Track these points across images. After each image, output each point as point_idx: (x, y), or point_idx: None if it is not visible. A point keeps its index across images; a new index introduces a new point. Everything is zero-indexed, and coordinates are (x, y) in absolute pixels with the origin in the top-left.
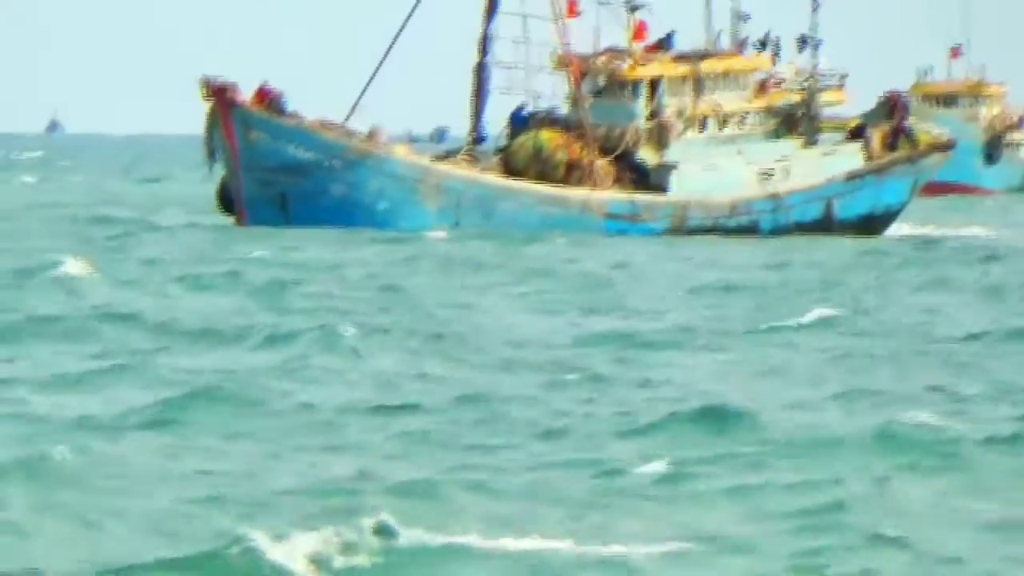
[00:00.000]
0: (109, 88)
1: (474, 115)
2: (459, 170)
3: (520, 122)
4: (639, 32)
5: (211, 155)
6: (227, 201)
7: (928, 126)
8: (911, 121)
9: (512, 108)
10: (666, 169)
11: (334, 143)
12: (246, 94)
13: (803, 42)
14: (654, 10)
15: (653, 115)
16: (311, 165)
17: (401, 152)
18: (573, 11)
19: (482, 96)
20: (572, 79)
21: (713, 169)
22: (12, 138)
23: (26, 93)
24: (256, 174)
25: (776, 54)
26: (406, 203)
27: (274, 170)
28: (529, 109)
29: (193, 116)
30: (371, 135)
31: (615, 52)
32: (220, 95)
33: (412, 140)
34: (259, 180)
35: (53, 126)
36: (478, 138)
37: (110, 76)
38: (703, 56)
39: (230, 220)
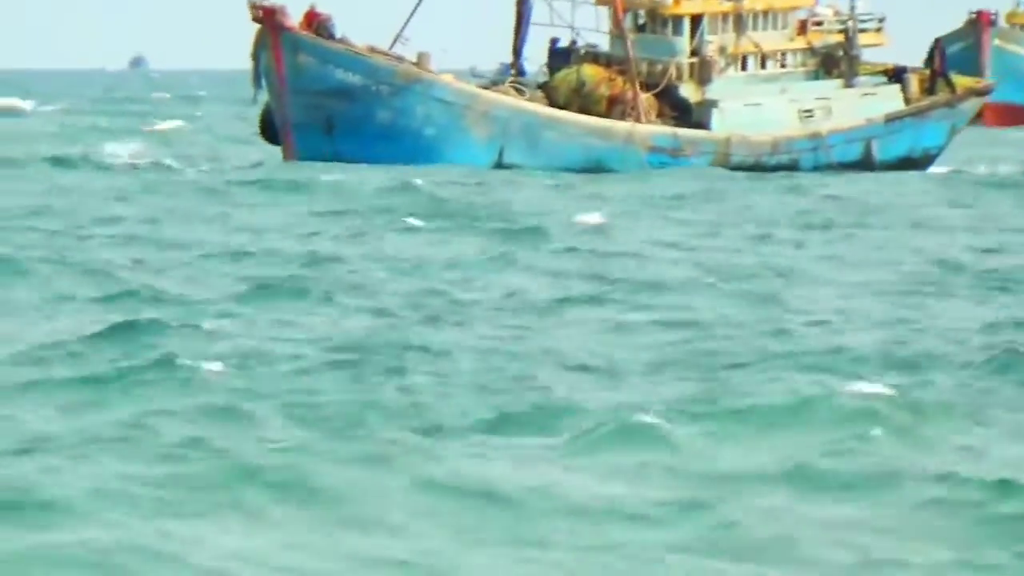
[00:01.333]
0: (185, 24)
1: (515, 48)
2: (506, 98)
3: (557, 56)
4: None
5: (257, 80)
6: (270, 129)
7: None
8: (998, 43)
9: (549, 42)
10: (708, 106)
11: (382, 67)
12: (294, 17)
13: None
14: None
15: (694, 52)
16: (358, 89)
17: (448, 78)
18: None
19: (523, 29)
20: (615, 14)
21: (755, 107)
22: (95, 74)
23: (108, 29)
24: (303, 98)
25: None
26: (453, 130)
27: (321, 94)
28: (566, 43)
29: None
30: (419, 61)
31: None
32: (268, 18)
33: (476, 76)
34: (306, 104)
35: (137, 62)
36: (518, 72)
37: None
38: None
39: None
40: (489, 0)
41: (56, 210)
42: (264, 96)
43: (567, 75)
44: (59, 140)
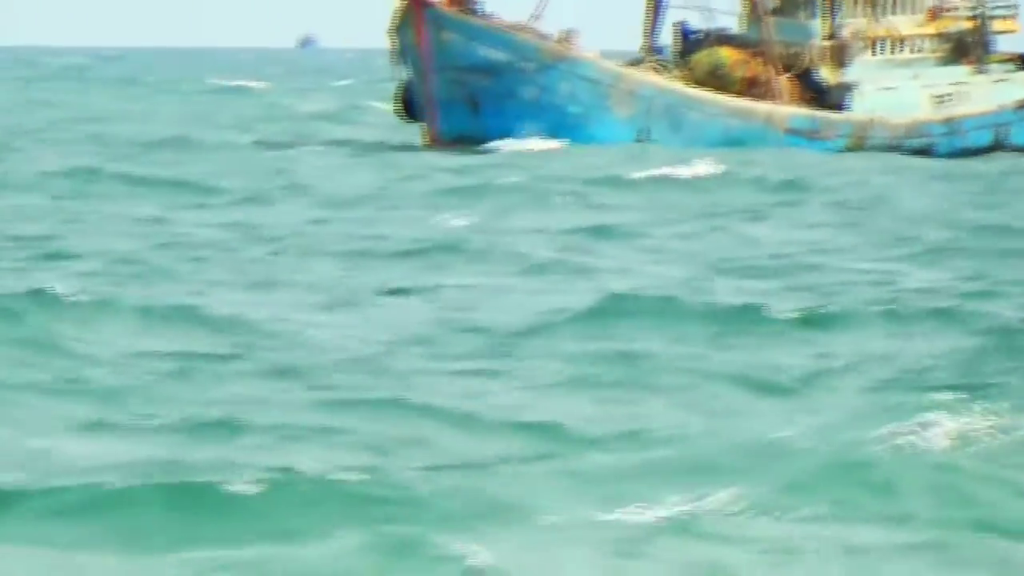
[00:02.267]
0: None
1: (648, 29)
2: (650, 77)
3: (687, 39)
4: None
5: (398, 56)
6: (409, 105)
7: None
8: None
9: (677, 25)
10: (845, 88)
11: (528, 44)
12: None
13: None
14: None
15: (829, 35)
16: (503, 66)
17: (593, 56)
18: None
19: (658, 10)
20: None
21: (890, 91)
22: (266, 52)
23: (275, 7)
24: (448, 75)
25: None
26: (597, 108)
27: (466, 71)
28: (696, 26)
29: None
30: (565, 38)
31: None
32: None
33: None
34: (450, 81)
35: (306, 41)
36: (653, 52)
37: None
38: None
39: (412, 125)
40: None
41: None
42: (404, 73)
43: (703, 56)
44: None
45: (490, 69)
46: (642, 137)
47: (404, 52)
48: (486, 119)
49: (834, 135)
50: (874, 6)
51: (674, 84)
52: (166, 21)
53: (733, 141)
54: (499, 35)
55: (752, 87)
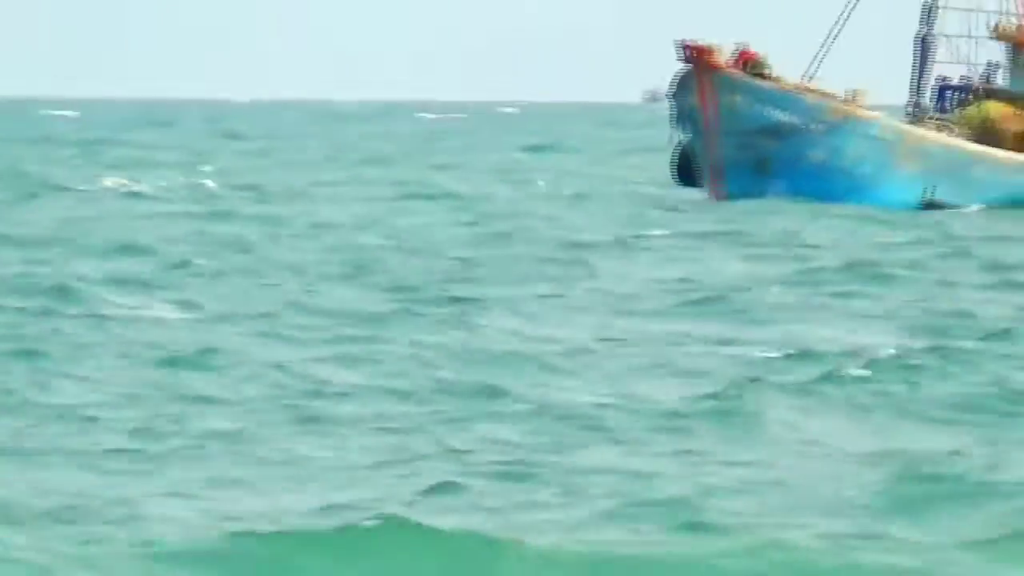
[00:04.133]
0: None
1: (915, 85)
2: (936, 135)
3: (946, 95)
4: None
5: (679, 121)
6: (686, 171)
7: None
8: None
9: (939, 80)
10: None
11: (817, 106)
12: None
13: None
14: None
15: None
16: (792, 128)
17: (879, 116)
18: None
19: (924, 67)
20: (1018, 49)
21: None
22: (620, 108)
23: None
24: (735, 138)
25: None
26: (885, 167)
27: (754, 133)
28: (954, 81)
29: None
30: (852, 97)
31: None
32: (701, 58)
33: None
34: (738, 144)
35: (653, 96)
36: (919, 109)
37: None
38: None
39: (691, 191)
40: (890, 37)
41: None
42: (682, 137)
43: (971, 111)
44: None
45: (779, 131)
46: (928, 196)
47: (684, 115)
48: (775, 181)
49: None
50: None
51: (958, 141)
52: None
53: (1016, 198)
54: (788, 97)
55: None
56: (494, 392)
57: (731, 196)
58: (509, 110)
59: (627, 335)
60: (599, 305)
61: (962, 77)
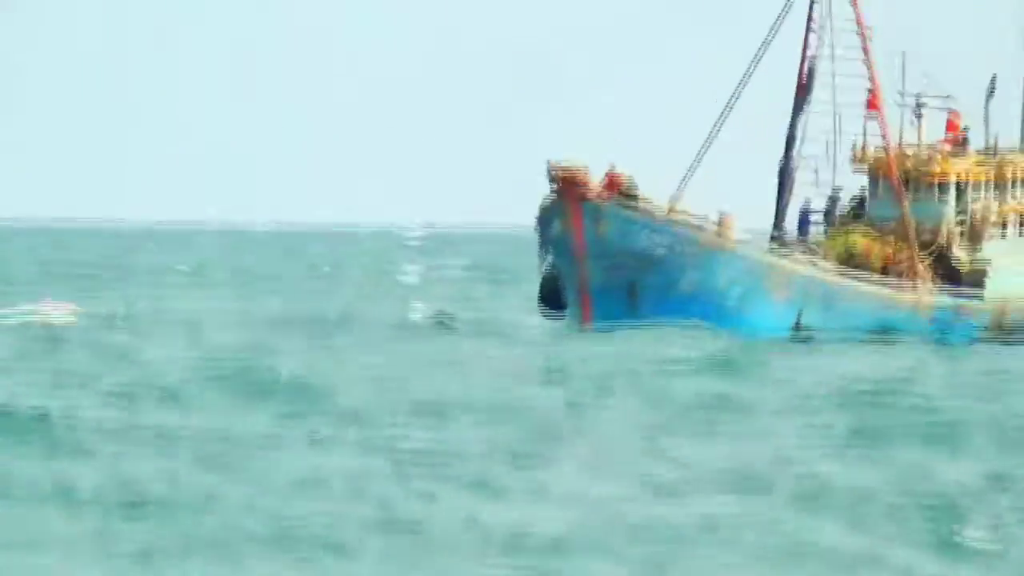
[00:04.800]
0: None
1: (778, 211)
2: (805, 263)
3: (808, 221)
4: (951, 126)
5: (545, 248)
6: (552, 296)
7: None
8: None
9: (802, 206)
10: (980, 269)
11: (688, 232)
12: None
13: None
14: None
15: (960, 215)
16: (663, 254)
17: (750, 243)
18: (874, 105)
19: (787, 192)
20: (891, 177)
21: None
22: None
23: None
24: (603, 265)
25: None
26: (755, 294)
27: (624, 261)
28: (816, 207)
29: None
30: (721, 222)
31: (926, 151)
32: (569, 182)
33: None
34: (606, 271)
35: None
36: (781, 235)
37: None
38: (1003, 155)
39: (555, 316)
40: (752, 163)
41: None
42: (548, 264)
43: (836, 240)
44: None
45: (650, 257)
46: (797, 323)
47: (551, 242)
48: (644, 307)
49: (976, 318)
50: (1002, 184)
51: (826, 269)
52: None
53: (883, 325)
54: (659, 222)
55: (889, 270)
56: None
57: (600, 323)
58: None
59: None
60: None
61: (830, 200)
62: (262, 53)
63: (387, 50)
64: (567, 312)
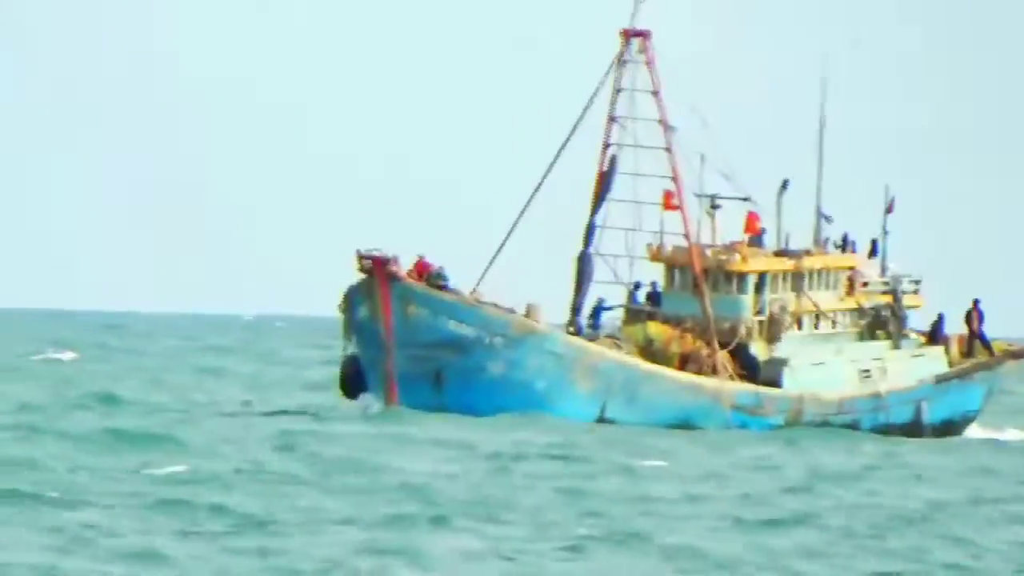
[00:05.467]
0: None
1: (574, 303)
2: (611, 352)
3: (600, 314)
4: (751, 224)
5: (349, 333)
6: (350, 383)
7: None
8: None
9: (598, 299)
10: (777, 364)
11: (497, 319)
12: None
13: (875, 246)
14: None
15: (757, 310)
16: (471, 341)
17: (559, 331)
18: (670, 204)
19: (584, 284)
20: (692, 271)
21: (820, 366)
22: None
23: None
24: (411, 350)
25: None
26: (561, 383)
27: (431, 346)
28: (609, 302)
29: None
30: (529, 311)
31: (724, 246)
32: (379, 268)
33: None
34: (414, 356)
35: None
36: (577, 327)
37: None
38: (802, 253)
39: (353, 402)
40: (551, 255)
41: None
42: (349, 349)
43: (633, 331)
44: None
45: (457, 344)
46: (600, 413)
47: (355, 327)
48: (450, 395)
49: (774, 411)
50: (799, 280)
51: (633, 360)
52: None
53: (684, 417)
54: (468, 309)
55: (688, 363)
56: None
57: (405, 408)
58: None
59: None
60: None
61: (629, 292)
62: None
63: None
64: (371, 395)
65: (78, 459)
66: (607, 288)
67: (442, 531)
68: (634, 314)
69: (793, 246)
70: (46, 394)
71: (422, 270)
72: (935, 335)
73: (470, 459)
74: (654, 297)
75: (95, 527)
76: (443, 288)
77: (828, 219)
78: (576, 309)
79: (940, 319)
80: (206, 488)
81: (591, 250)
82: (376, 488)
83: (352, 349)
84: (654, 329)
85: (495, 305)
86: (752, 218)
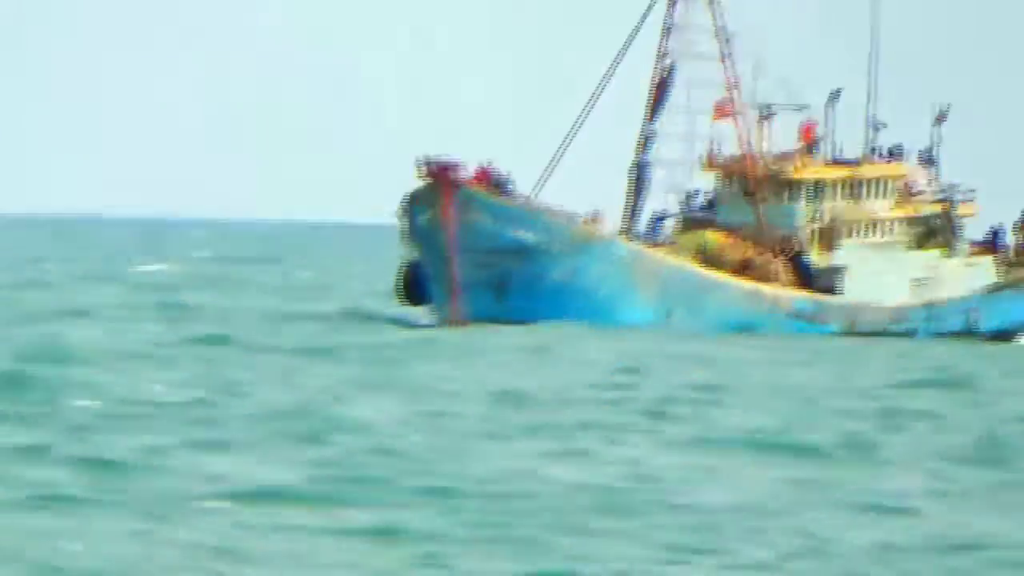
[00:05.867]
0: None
1: (629, 211)
2: (673, 259)
3: (660, 223)
4: (807, 133)
5: (409, 239)
6: (411, 288)
7: None
8: None
9: (655, 208)
10: (834, 272)
11: (561, 226)
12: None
13: (927, 155)
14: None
15: (812, 218)
16: (534, 248)
17: (622, 238)
18: (724, 112)
19: (640, 192)
20: (748, 180)
21: (875, 275)
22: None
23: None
24: (473, 257)
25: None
26: (625, 290)
27: (494, 253)
28: (670, 211)
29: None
30: (593, 218)
31: (779, 155)
32: (442, 174)
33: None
34: (476, 263)
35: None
36: (633, 235)
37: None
38: (857, 161)
39: (415, 308)
40: (607, 164)
41: None
42: (410, 254)
43: (688, 240)
44: None
45: (521, 251)
46: (664, 319)
47: (416, 233)
48: (514, 302)
49: (831, 319)
50: (855, 189)
51: (693, 267)
52: None
53: (744, 324)
54: (532, 216)
55: (745, 270)
56: None
57: (467, 316)
58: None
59: None
60: None
61: (684, 202)
62: None
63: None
64: (433, 306)
65: None
66: (662, 197)
67: None
68: (689, 222)
69: (844, 155)
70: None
71: (485, 177)
72: (994, 245)
73: None
74: (709, 205)
75: None
76: (507, 195)
77: (880, 128)
78: (632, 217)
79: (998, 229)
80: None
81: (647, 158)
82: None
83: (412, 256)
84: (710, 237)
85: (558, 211)
86: (808, 127)
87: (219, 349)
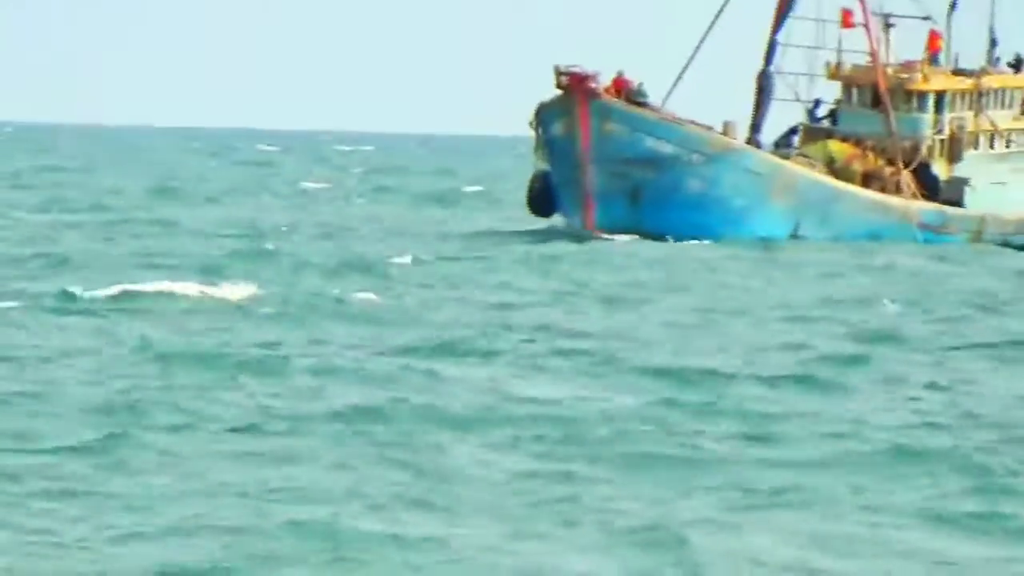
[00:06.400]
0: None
1: (754, 122)
2: (806, 170)
3: (792, 136)
4: (932, 43)
5: (539, 146)
6: (541, 199)
7: None
8: None
9: (788, 119)
10: (958, 183)
11: (695, 136)
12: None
13: None
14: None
15: (936, 129)
16: (669, 159)
17: (756, 149)
18: (849, 22)
19: (764, 103)
20: (876, 90)
21: (1000, 185)
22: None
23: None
24: (608, 166)
25: None
26: (759, 200)
27: (629, 163)
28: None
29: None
30: (726, 129)
31: (902, 65)
32: (578, 84)
33: None
34: (611, 173)
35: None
36: (756, 145)
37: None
38: (980, 72)
39: (544, 221)
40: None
41: None
42: (541, 164)
43: (814, 151)
44: None
45: (655, 161)
46: (794, 230)
47: (549, 143)
48: (648, 212)
49: (958, 230)
50: (978, 99)
51: (824, 177)
52: None
53: (873, 234)
54: (666, 126)
55: (870, 181)
56: None
57: (600, 226)
58: None
59: None
60: None
61: (810, 110)
62: None
63: None
64: (567, 215)
65: None
66: (787, 106)
67: None
68: (813, 132)
69: (963, 66)
70: None
71: (620, 86)
72: None
73: None
74: (830, 115)
75: None
76: (642, 105)
77: (996, 43)
78: (756, 127)
79: None
80: None
81: (772, 68)
82: None
83: (543, 166)
84: (835, 147)
85: (692, 122)
86: (934, 36)
87: None
